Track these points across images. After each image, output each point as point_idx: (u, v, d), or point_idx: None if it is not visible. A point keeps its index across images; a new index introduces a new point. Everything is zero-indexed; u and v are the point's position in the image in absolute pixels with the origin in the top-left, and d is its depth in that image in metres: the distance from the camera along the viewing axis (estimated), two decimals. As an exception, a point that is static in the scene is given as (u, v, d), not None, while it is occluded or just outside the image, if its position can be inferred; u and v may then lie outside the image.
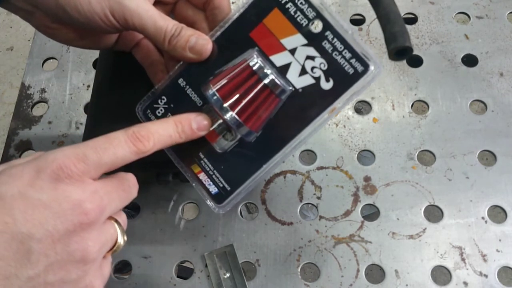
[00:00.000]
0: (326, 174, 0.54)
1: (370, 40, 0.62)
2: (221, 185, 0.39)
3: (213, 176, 0.40)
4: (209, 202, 0.40)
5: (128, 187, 0.34)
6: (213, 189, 0.40)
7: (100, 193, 0.31)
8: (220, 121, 0.38)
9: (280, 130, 0.38)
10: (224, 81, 0.37)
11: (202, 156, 0.40)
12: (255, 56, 0.37)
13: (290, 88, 0.37)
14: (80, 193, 0.30)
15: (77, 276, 0.30)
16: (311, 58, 0.37)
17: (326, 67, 0.36)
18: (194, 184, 0.40)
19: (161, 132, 0.35)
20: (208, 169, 0.40)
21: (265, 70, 0.37)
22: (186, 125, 0.37)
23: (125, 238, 0.34)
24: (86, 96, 0.61)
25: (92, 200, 0.30)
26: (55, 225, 0.29)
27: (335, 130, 0.57)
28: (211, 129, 0.39)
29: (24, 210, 0.28)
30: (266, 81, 0.36)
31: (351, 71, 0.36)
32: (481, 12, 0.63)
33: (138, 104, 0.41)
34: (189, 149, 0.40)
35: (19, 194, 0.28)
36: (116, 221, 0.34)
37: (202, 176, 0.40)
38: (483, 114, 0.57)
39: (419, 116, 0.57)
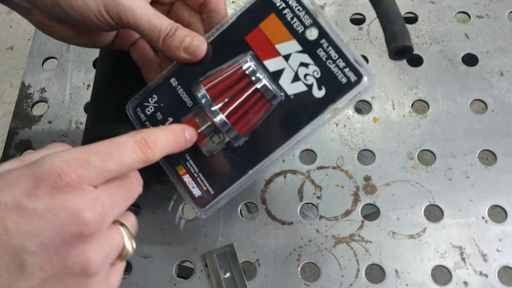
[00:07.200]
0: (326, 174, 0.54)
1: (370, 39, 0.62)
2: (205, 189, 0.39)
3: (198, 178, 0.39)
4: (192, 205, 0.39)
5: (131, 184, 0.32)
6: (196, 192, 0.39)
7: (102, 198, 0.29)
8: (209, 123, 0.38)
9: (269, 136, 0.37)
10: (215, 83, 0.37)
11: (188, 157, 0.39)
12: (248, 59, 0.37)
13: (282, 94, 0.37)
14: (79, 201, 0.27)
15: None
16: (305, 65, 0.36)
17: (319, 75, 0.36)
18: (178, 187, 0.40)
19: (166, 140, 0.33)
20: (193, 171, 0.39)
21: (258, 75, 0.36)
22: (181, 135, 0.35)
23: (134, 244, 0.32)
24: (86, 96, 0.61)
25: (92, 209, 0.28)
26: (50, 237, 0.26)
27: (335, 129, 0.57)
28: (199, 131, 0.38)
29: (17, 221, 0.26)
30: (258, 85, 0.36)
31: (344, 80, 0.35)
32: (482, 11, 0.63)
33: (128, 102, 0.41)
34: None
35: (13, 203, 0.27)
36: (122, 224, 0.31)
37: (187, 178, 0.39)
38: (484, 114, 0.57)
39: (419, 116, 0.57)
